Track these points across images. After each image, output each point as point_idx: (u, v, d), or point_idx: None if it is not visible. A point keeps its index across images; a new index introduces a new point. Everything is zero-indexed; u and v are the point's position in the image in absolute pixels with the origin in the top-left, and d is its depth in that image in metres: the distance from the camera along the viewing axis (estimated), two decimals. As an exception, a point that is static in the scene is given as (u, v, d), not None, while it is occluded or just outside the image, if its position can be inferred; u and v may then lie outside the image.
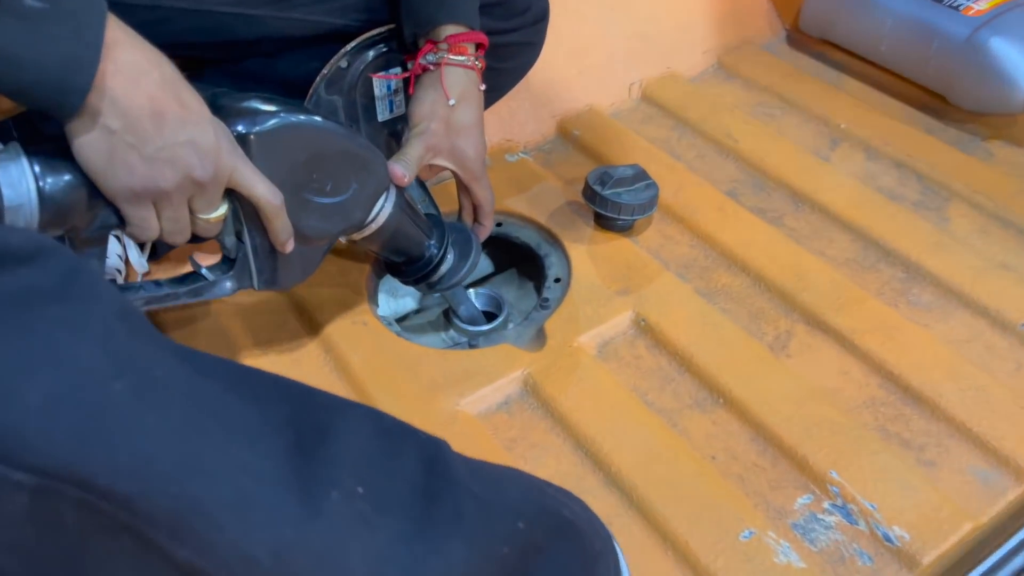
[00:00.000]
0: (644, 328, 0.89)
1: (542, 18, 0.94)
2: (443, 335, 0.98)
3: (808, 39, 1.31)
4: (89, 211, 0.61)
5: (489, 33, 0.85)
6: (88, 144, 0.57)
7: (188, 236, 0.65)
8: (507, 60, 0.94)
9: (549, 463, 0.78)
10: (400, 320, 1.05)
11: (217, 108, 0.65)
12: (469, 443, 0.78)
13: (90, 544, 0.39)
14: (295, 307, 0.94)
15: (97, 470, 0.36)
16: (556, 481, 0.76)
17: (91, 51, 0.53)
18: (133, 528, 0.38)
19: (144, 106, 0.57)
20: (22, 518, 0.37)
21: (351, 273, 0.97)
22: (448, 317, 0.98)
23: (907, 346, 0.85)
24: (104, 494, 0.36)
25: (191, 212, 0.64)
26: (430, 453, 0.48)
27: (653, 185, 0.99)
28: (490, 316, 0.99)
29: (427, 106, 0.82)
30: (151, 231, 0.63)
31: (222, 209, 0.66)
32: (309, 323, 0.92)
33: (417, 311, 1.06)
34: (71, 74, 0.53)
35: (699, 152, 1.14)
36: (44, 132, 0.57)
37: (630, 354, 0.88)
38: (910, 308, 0.90)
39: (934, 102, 1.18)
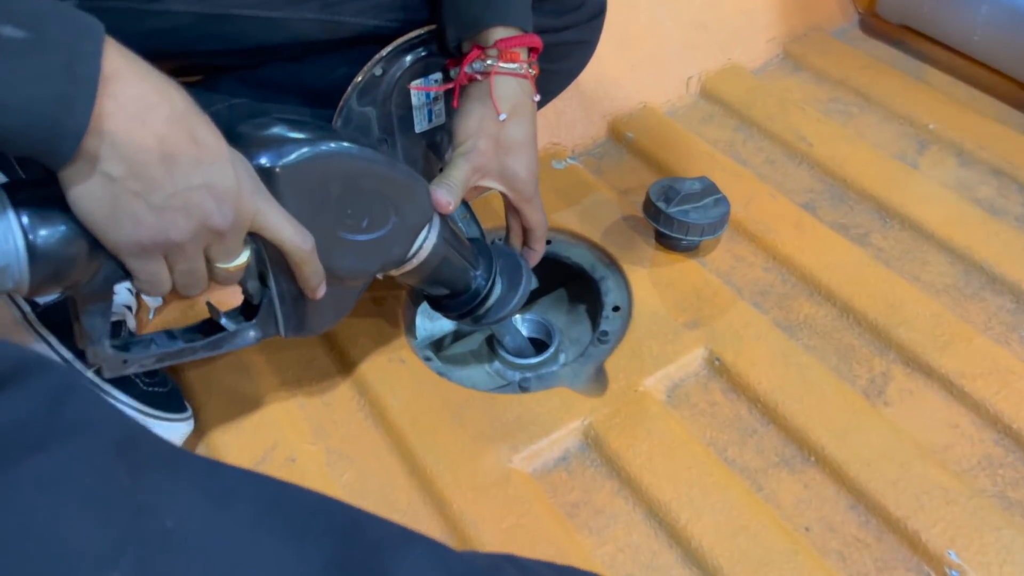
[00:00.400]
0: (719, 369, 0.79)
1: (599, 13, 0.83)
2: (487, 368, 0.88)
3: (885, 25, 1.18)
4: (89, 265, 0.52)
5: (539, 32, 0.74)
6: (86, 194, 0.47)
7: (205, 287, 0.57)
8: (558, 61, 0.83)
9: (618, 534, 0.68)
10: (438, 347, 0.95)
11: (236, 138, 0.56)
12: (527, 509, 0.69)
13: None
14: (325, 341, 0.84)
15: None
16: (627, 557, 0.67)
17: (86, 87, 0.44)
18: None
19: (151, 148, 0.47)
20: None
21: (386, 301, 0.87)
22: (492, 346, 0.88)
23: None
24: None
25: (208, 261, 0.55)
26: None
27: (724, 201, 0.88)
28: (537, 343, 0.90)
29: (474, 122, 0.72)
30: (162, 286, 0.54)
31: (244, 257, 0.57)
32: (341, 359, 0.83)
33: (456, 335, 0.96)
34: (62, 116, 0.43)
35: (768, 157, 1.02)
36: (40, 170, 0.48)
37: (704, 400, 0.77)
38: (1023, 346, 0.79)
39: (1034, 99, 1.05)
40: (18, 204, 0.49)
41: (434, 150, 0.84)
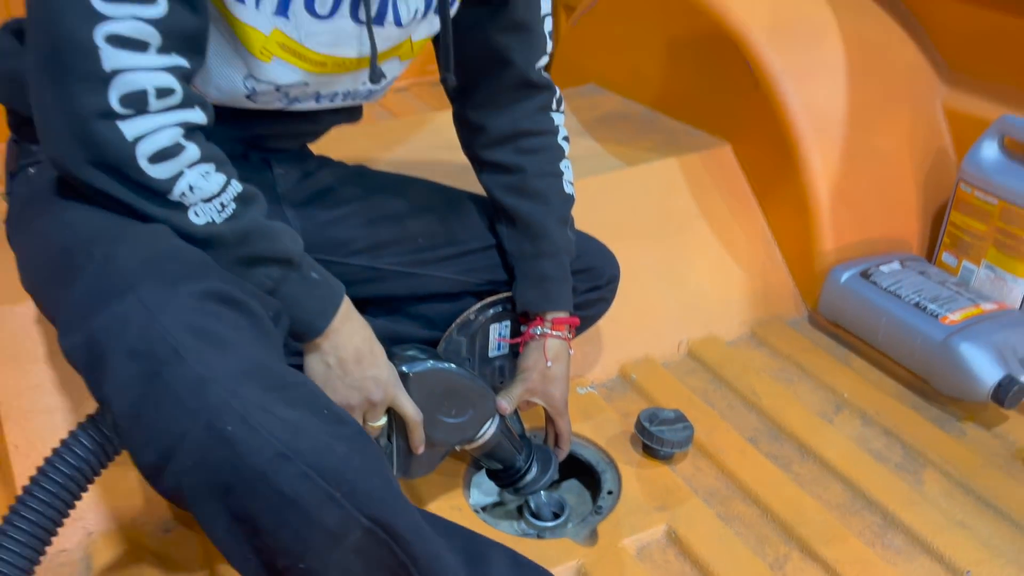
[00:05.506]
0: (674, 539, 1.15)
1: (614, 279, 1.28)
2: (515, 524, 1.24)
3: (825, 321, 1.63)
4: None
5: (574, 291, 1.18)
6: (312, 367, 0.90)
7: None
8: (586, 309, 1.27)
9: (593, 634, 1.02)
10: (484, 508, 1.32)
11: (390, 356, 0.99)
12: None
13: None
14: (407, 486, 1.22)
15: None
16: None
17: (331, 311, 0.88)
18: None
19: (351, 354, 0.90)
20: None
21: (456, 464, 1.26)
22: (521, 512, 1.25)
23: (879, 580, 1.08)
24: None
25: (363, 420, 0.96)
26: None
27: (690, 427, 1.28)
28: (555, 515, 1.26)
29: (531, 361, 1.16)
30: None
31: (383, 420, 0.98)
32: (414, 500, 1.20)
33: (496, 504, 1.33)
34: (318, 320, 0.87)
35: (729, 403, 1.43)
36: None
37: (662, 558, 1.13)
38: (884, 549, 1.14)
39: (921, 384, 1.45)
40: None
41: (499, 371, 1.26)
